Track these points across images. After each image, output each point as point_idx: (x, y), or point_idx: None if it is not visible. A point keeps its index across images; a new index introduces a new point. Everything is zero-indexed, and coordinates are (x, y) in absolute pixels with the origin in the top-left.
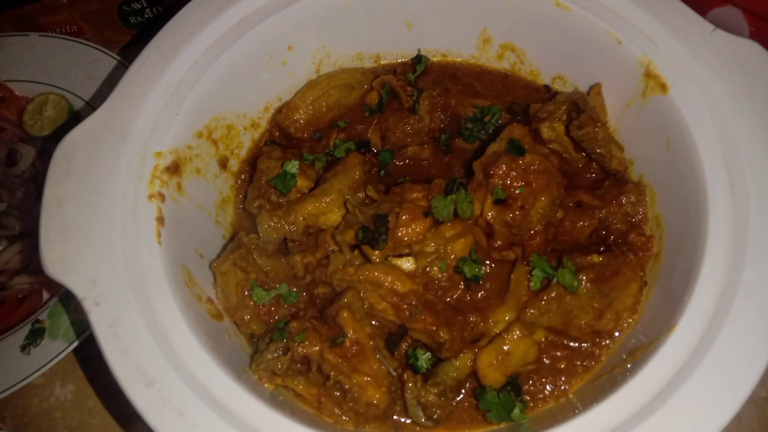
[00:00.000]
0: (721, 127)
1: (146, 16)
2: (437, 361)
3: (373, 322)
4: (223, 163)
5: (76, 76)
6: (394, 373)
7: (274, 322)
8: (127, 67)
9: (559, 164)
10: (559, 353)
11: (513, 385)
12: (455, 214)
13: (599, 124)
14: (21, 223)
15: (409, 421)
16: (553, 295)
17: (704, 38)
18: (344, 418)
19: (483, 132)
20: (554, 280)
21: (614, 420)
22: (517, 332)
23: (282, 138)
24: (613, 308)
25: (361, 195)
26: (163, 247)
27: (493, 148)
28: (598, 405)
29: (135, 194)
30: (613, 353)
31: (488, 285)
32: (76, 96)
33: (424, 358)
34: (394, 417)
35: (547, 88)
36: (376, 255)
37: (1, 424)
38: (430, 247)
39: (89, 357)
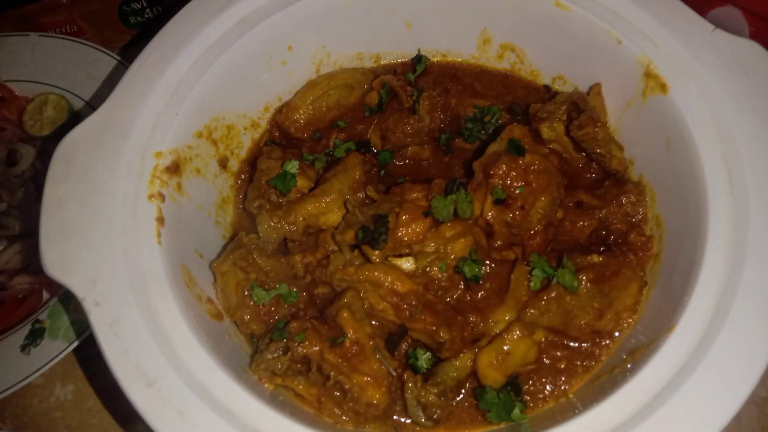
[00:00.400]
0: (721, 127)
1: (146, 16)
2: (437, 361)
3: (373, 322)
4: (223, 163)
5: (76, 76)
6: (394, 373)
7: (274, 322)
8: (127, 67)
9: (559, 164)
10: (559, 353)
11: (513, 385)
12: (455, 214)
13: (599, 124)
14: (21, 223)
15: (409, 421)
16: (553, 295)
17: (704, 38)
18: (344, 418)
19: (483, 132)
20: (554, 280)
21: (614, 420)
22: (517, 332)
23: (282, 138)
24: (613, 308)
25: (361, 195)
26: (163, 247)
27: (493, 148)
28: (598, 405)
29: (135, 194)
30: (613, 353)
31: (488, 285)
32: (76, 96)
33: (424, 358)
34: (394, 417)
35: (547, 88)
36: (376, 255)
37: (1, 424)
38: (430, 247)
39: (89, 357)
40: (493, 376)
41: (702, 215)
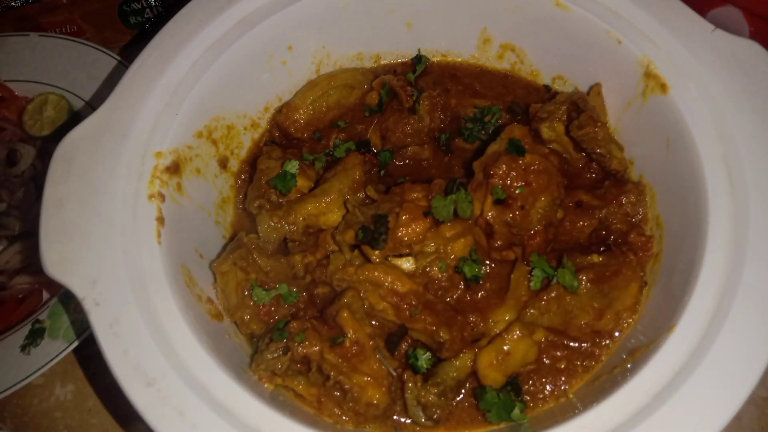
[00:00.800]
0: (721, 127)
1: (146, 16)
2: (437, 361)
3: (373, 322)
4: (223, 163)
5: (76, 76)
6: (394, 373)
7: (274, 322)
8: (127, 67)
9: (559, 164)
10: (559, 353)
11: (513, 385)
12: (455, 214)
13: (599, 124)
14: (21, 223)
15: (409, 421)
16: (553, 295)
17: (704, 38)
18: (344, 418)
19: (483, 132)
20: (554, 280)
21: (614, 420)
22: (517, 332)
23: (282, 138)
24: (613, 308)
25: (361, 195)
26: (163, 247)
27: (493, 148)
28: (598, 405)
29: (135, 194)
30: (613, 353)
31: (488, 285)
32: (76, 96)
33: (424, 358)
34: (394, 417)
35: (547, 88)
36: (376, 255)
37: (1, 424)
38: (430, 247)
39: (89, 357)
40: (493, 376)
41: (702, 215)
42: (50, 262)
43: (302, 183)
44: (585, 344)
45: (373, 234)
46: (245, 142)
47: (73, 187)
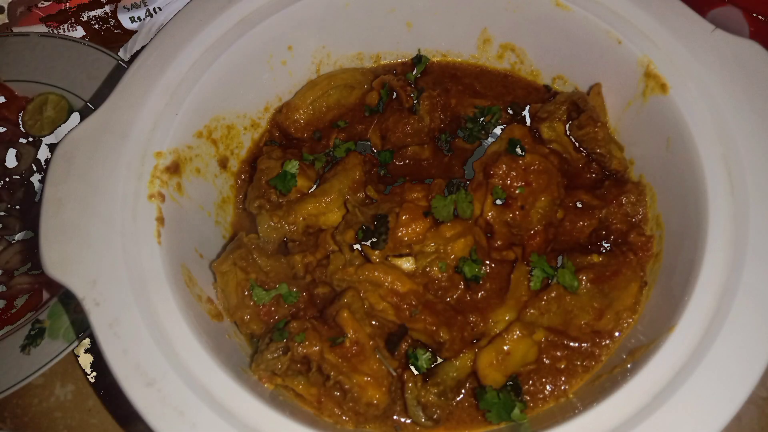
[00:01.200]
0: (721, 127)
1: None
2: (437, 361)
3: (373, 322)
4: (223, 163)
5: (76, 76)
6: (394, 373)
7: (274, 322)
8: (127, 67)
9: (559, 164)
10: (559, 353)
11: (513, 385)
12: (455, 214)
13: (599, 124)
14: (21, 223)
15: (409, 421)
16: (553, 295)
17: (704, 38)
18: (344, 418)
19: (483, 132)
20: (554, 280)
21: (614, 420)
22: (517, 332)
23: (282, 138)
24: (613, 308)
25: (361, 195)
26: (163, 247)
27: (493, 148)
28: (598, 405)
29: (135, 194)
30: (613, 353)
31: (488, 285)
32: (76, 96)
33: (424, 358)
34: (394, 417)
35: (547, 88)
36: (376, 255)
37: (1, 424)
38: (430, 247)
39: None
40: (493, 376)
41: (702, 215)
42: (50, 262)
43: (302, 183)
44: (585, 344)
45: (373, 234)
46: (245, 142)
47: (73, 187)
